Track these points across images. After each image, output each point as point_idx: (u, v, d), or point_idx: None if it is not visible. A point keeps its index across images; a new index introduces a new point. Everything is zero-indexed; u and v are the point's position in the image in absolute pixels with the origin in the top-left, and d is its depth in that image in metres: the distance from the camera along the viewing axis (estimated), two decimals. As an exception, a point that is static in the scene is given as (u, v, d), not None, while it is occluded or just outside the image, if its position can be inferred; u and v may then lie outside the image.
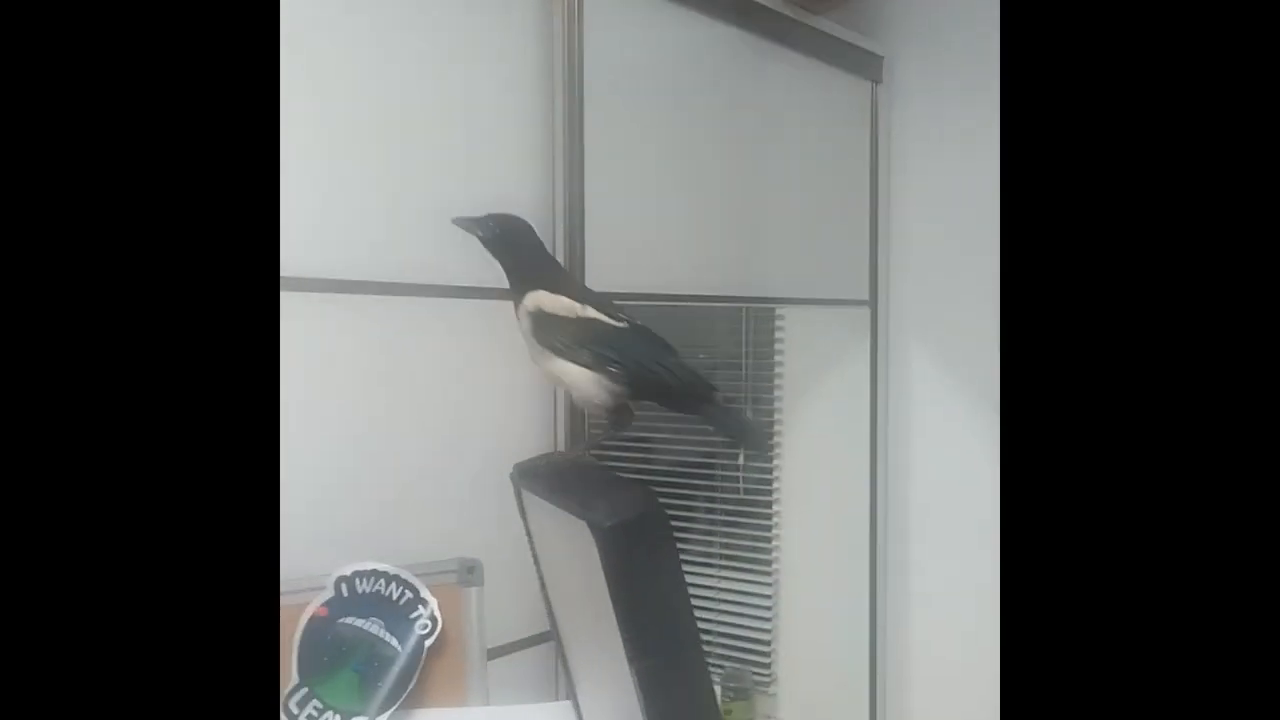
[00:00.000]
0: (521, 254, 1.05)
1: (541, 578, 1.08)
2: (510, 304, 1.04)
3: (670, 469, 2.58)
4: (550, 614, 1.11)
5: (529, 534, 1.07)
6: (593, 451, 1.15)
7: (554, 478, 0.97)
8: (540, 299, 1.00)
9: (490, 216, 1.05)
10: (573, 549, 0.90)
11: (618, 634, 0.85)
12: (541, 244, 1.10)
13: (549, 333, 0.99)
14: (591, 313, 0.99)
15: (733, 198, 1.82)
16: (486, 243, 1.05)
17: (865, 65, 2.10)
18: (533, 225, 1.09)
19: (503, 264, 1.06)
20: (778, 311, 2.36)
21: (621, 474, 0.87)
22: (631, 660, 0.83)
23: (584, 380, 0.98)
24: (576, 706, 1.08)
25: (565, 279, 1.09)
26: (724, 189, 1.81)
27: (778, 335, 2.38)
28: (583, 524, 0.84)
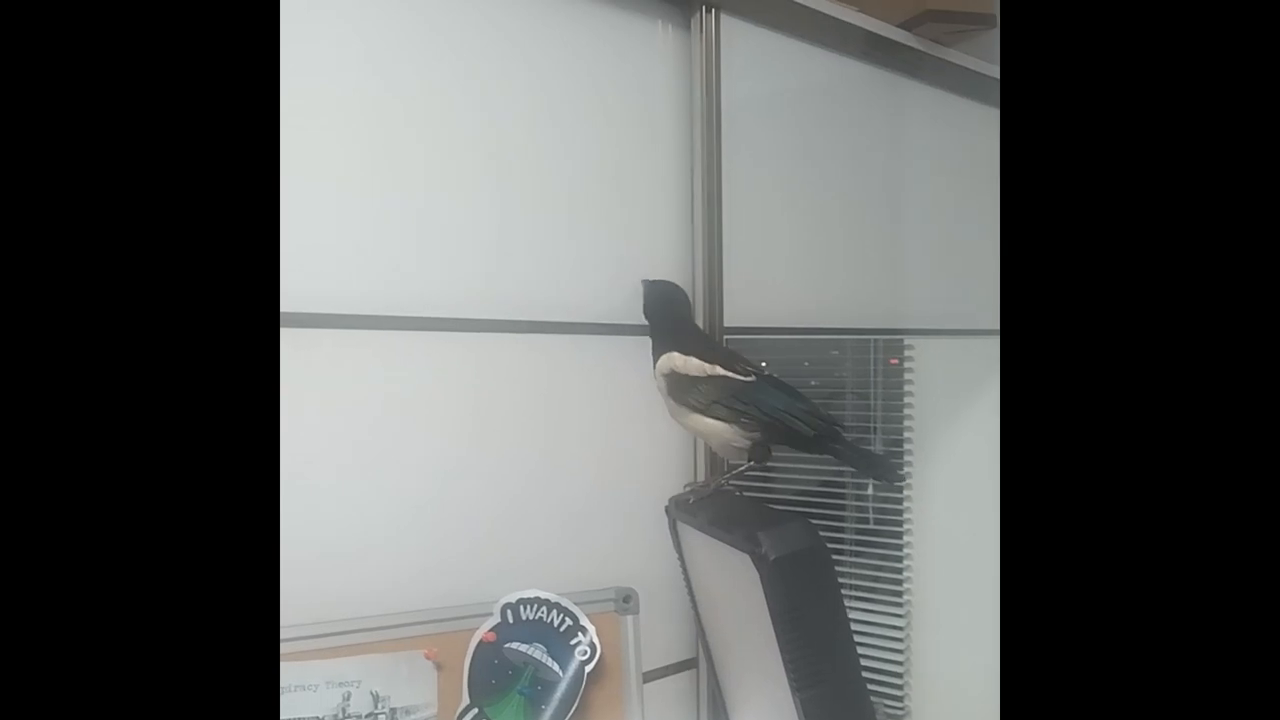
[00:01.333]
0: (658, 318, 1.14)
1: (696, 607, 1.12)
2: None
3: (797, 498, 2.59)
4: (703, 642, 1.14)
5: (683, 565, 1.11)
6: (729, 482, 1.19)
7: (709, 510, 1.01)
8: (673, 361, 1.06)
9: (649, 282, 1.15)
10: (733, 580, 0.93)
11: (779, 663, 0.88)
12: (679, 306, 1.17)
13: (683, 392, 1.05)
14: (720, 370, 1.04)
15: (865, 230, 1.84)
16: (645, 310, 1.15)
17: (994, 94, 2.09)
18: (678, 287, 1.17)
19: (649, 326, 1.14)
20: (906, 341, 2.35)
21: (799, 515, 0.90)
22: (796, 690, 0.85)
23: (720, 432, 1.03)
24: (730, 733, 1.11)
25: (696, 338, 1.15)
26: (857, 222, 1.83)
27: (907, 365, 2.36)
28: (746, 556, 0.87)
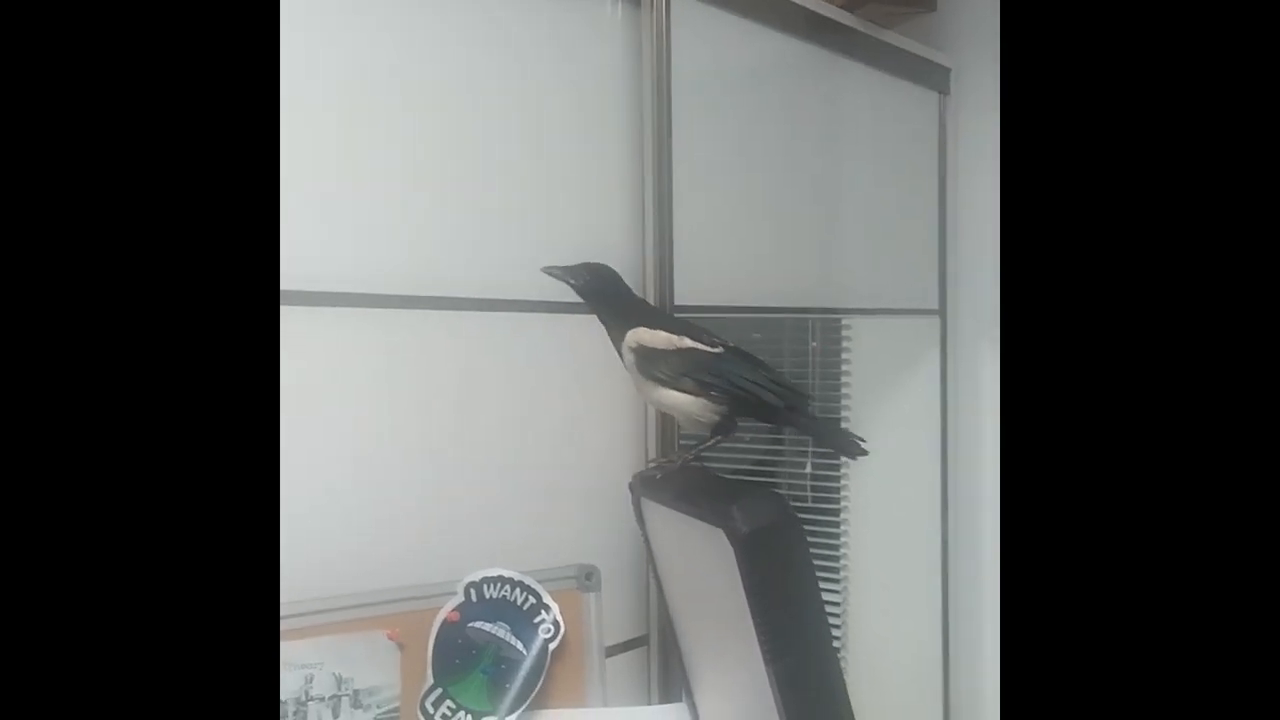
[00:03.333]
0: (614, 299, 1.12)
1: (659, 584, 1.12)
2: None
3: (736, 477, 2.61)
4: (667, 618, 1.14)
5: (647, 542, 1.11)
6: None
7: (676, 486, 1.01)
8: (640, 335, 1.06)
9: (580, 266, 1.12)
10: (704, 555, 0.93)
11: (750, 635, 0.89)
12: (628, 287, 1.16)
13: (652, 365, 1.05)
14: (688, 342, 1.04)
15: (805, 211, 1.86)
16: (579, 290, 1.12)
17: (933, 77, 2.13)
18: (608, 266, 1.15)
19: (597, 310, 1.13)
20: (844, 321, 2.38)
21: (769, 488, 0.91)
22: (769, 660, 0.86)
23: (689, 405, 1.04)
24: (693, 707, 1.12)
25: (658, 315, 1.15)
26: (797, 202, 1.84)
27: (844, 345, 2.40)
28: (719, 531, 0.87)
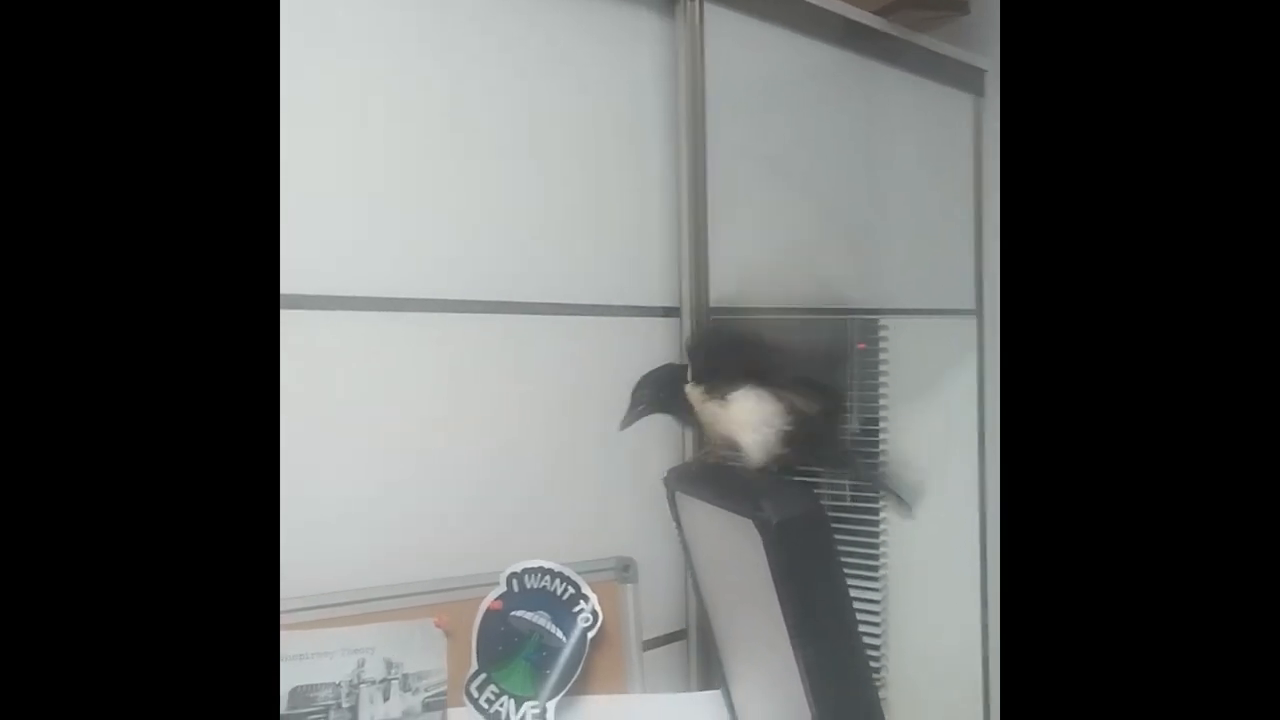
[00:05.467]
0: (667, 384, 1.10)
1: (695, 576, 1.16)
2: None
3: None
4: (701, 610, 1.18)
5: (682, 535, 1.15)
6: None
7: (711, 480, 1.05)
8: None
9: (635, 393, 1.10)
10: (735, 547, 0.97)
11: (780, 625, 0.92)
12: (680, 367, 1.12)
13: (720, 379, 1.03)
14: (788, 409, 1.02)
15: (843, 213, 1.89)
16: (651, 410, 1.10)
17: (967, 79, 2.14)
18: (671, 364, 1.14)
19: (669, 408, 1.10)
20: (881, 321, 2.40)
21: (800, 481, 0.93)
22: (797, 647, 0.90)
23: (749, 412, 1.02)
24: (727, 695, 1.15)
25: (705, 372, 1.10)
26: (833, 205, 1.87)
27: (882, 345, 2.42)
28: (748, 522, 0.91)
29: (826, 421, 1.04)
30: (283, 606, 1.00)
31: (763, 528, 0.89)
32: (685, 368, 1.09)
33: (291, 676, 0.99)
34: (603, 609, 1.13)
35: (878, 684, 2.41)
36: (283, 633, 0.98)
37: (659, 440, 1.46)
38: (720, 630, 1.15)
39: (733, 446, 1.06)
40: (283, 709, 0.97)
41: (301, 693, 0.99)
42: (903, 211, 2.03)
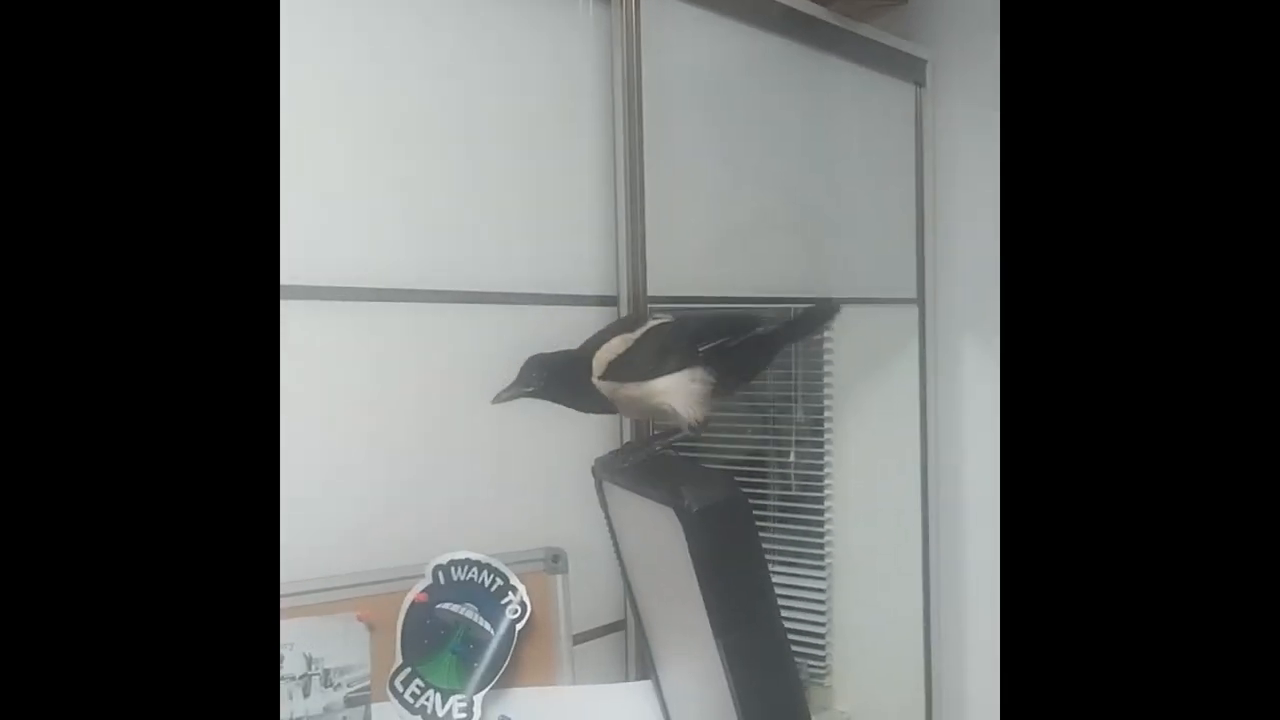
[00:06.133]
0: (566, 369, 1.07)
1: (623, 565, 1.15)
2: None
3: (723, 468, 2.65)
4: (631, 600, 1.17)
5: (610, 525, 1.14)
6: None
7: (636, 470, 1.04)
8: (601, 356, 1.04)
9: (524, 371, 1.06)
10: (658, 535, 0.96)
11: (702, 613, 0.92)
12: (564, 352, 1.09)
13: (626, 368, 1.03)
14: (641, 328, 1.05)
15: (783, 202, 1.89)
16: (539, 394, 1.06)
17: (909, 69, 2.16)
18: (546, 353, 1.09)
19: (560, 392, 1.08)
20: (826, 311, 2.42)
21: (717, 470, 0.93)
22: (718, 635, 0.89)
23: (681, 383, 1.01)
24: (657, 685, 1.15)
25: (592, 342, 1.09)
26: (775, 194, 1.87)
27: (826, 334, 2.43)
28: (670, 510, 0.90)
29: (696, 318, 1.06)
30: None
31: (683, 515, 0.88)
32: (587, 361, 1.05)
33: (208, 673, 0.97)
34: (532, 600, 1.12)
35: (820, 670, 2.43)
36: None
37: (596, 432, 1.45)
38: (648, 620, 1.14)
39: (663, 418, 1.05)
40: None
41: (218, 689, 0.97)
42: (845, 201, 2.03)
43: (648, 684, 1.16)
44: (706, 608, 0.90)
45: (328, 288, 1.16)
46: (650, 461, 1.07)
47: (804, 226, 1.95)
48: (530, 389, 1.05)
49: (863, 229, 2.09)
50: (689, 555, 0.90)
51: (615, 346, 1.05)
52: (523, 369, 1.06)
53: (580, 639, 1.35)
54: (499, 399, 1.04)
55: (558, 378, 1.05)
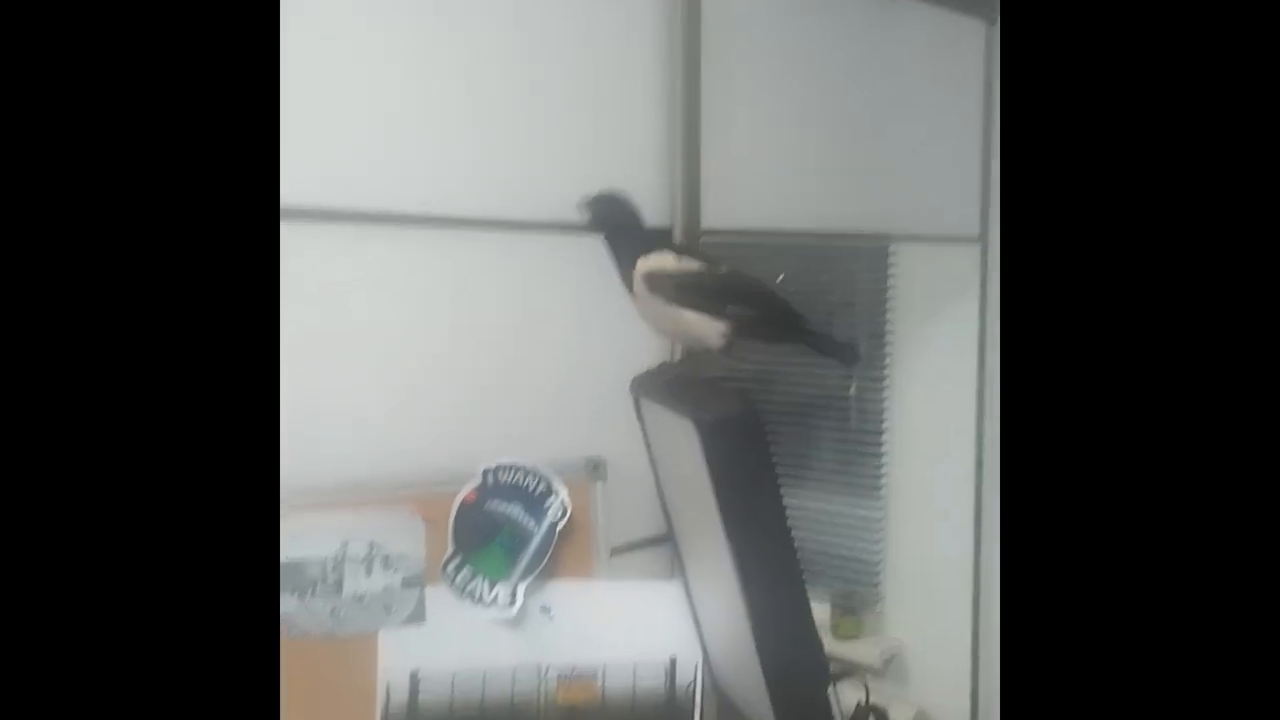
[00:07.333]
0: (623, 230, 1.17)
1: (657, 476, 1.25)
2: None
3: (789, 405, 2.71)
4: (664, 508, 1.27)
5: (646, 438, 1.23)
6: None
7: (667, 386, 1.13)
8: (650, 262, 1.13)
9: (592, 199, 1.16)
10: (682, 446, 1.05)
11: (718, 520, 1.01)
12: (639, 217, 1.19)
13: (661, 287, 1.11)
14: (696, 265, 1.12)
15: (844, 137, 1.92)
16: (591, 225, 1.17)
17: (979, 5, 2.14)
18: (625, 196, 1.19)
19: (608, 240, 1.17)
20: (891, 249, 2.45)
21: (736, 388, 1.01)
22: (729, 539, 0.98)
23: (698, 324, 1.10)
24: (686, 588, 1.25)
25: (664, 242, 1.19)
26: (836, 129, 1.90)
27: (890, 272, 2.47)
28: (689, 422, 0.99)
29: (746, 281, 1.13)
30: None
31: (700, 426, 0.97)
32: (640, 252, 1.13)
33: (283, 553, 1.10)
34: (572, 504, 1.23)
35: (873, 596, 2.51)
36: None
37: (638, 350, 1.53)
38: (677, 527, 1.24)
39: (676, 339, 1.13)
40: (275, 580, 1.09)
41: (292, 567, 1.10)
42: (909, 138, 2.05)
43: (678, 584, 1.26)
44: (720, 513, 0.99)
45: (404, 215, 1.26)
46: (680, 379, 1.15)
47: (865, 162, 1.97)
48: (589, 217, 1.16)
49: (926, 167, 2.10)
50: (705, 464, 0.98)
51: (663, 263, 1.12)
52: (593, 200, 1.16)
53: (622, 550, 1.45)
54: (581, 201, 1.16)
55: (612, 231, 1.17)
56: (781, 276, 2.60)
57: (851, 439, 2.60)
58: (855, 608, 2.52)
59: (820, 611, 2.54)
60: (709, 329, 1.10)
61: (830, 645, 2.43)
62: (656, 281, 1.13)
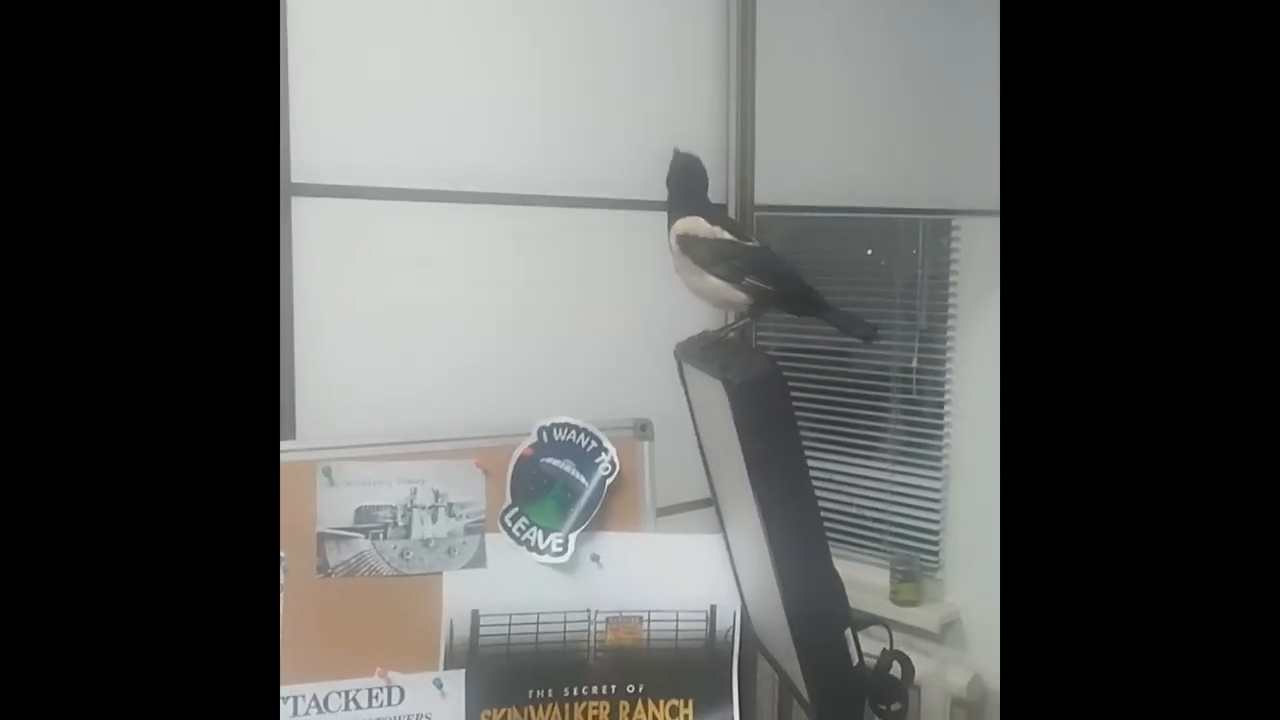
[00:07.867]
0: (679, 188, 1.26)
1: (699, 437, 1.34)
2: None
3: (855, 378, 2.77)
4: (705, 468, 1.36)
5: (689, 400, 1.32)
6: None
7: (703, 351, 1.21)
8: (685, 224, 1.21)
9: (673, 157, 1.26)
10: (715, 407, 1.14)
11: (746, 477, 1.09)
12: (699, 179, 1.27)
13: (692, 251, 1.21)
14: (727, 235, 1.20)
15: (904, 112, 1.96)
16: (669, 179, 1.27)
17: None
18: (699, 161, 1.26)
19: (669, 194, 1.27)
20: (954, 222, 2.47)
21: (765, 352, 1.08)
22: (755, 486, 1.07)
23: (721, 290, 1.20)
24: (725, 539, 1.34)
25: (711, 208, 1.26)
26: (895, 105, 1.94)
27: (954, 245, 2.49)
28: (719, 383, 1.07)
29: (771, 258, 1.21)
30: (352, 443, 1.23)
31: (728, 387, 1.05)
32: (699, 200, 1.23)
33: (359, 498, 1.23)
34: (621, 461, 1.32)
35: (932, 564, 2.55)
36: (352, 464, 1.22)
37: (683, 319, 1.61)
38: (716, 485, 1.33)
39: (714, 302, 1.23)
40: (351, 523, 1.22)
41: (366, 511, 1.23)
42: (972, 111, 2.07)
43: (718, 537, 1.35)
44: (746, 466, 1.07)
45: (460, 192, 1.37)
46: (718, 344, 1.24)
47: (927, 136, 2.00)
48: (669, 175, 1.25)
49: (989, 141, 2.12)
50: (734, 422, 1.07)
51: (696, 227, 1.21)
52: (677, 156, 1.25)
53: (668, 510, 1.54)
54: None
55: (673, 186, 1.25)
56: (870, 251, 2.64)
57: (914, 412, 2.65)
58: (914, 574, 2.57)
59: (880, 577, 2.61)
60: (729, 295, 1.19)
61: (889, 611, 2.50)
62: (687, 243, 1.21)
